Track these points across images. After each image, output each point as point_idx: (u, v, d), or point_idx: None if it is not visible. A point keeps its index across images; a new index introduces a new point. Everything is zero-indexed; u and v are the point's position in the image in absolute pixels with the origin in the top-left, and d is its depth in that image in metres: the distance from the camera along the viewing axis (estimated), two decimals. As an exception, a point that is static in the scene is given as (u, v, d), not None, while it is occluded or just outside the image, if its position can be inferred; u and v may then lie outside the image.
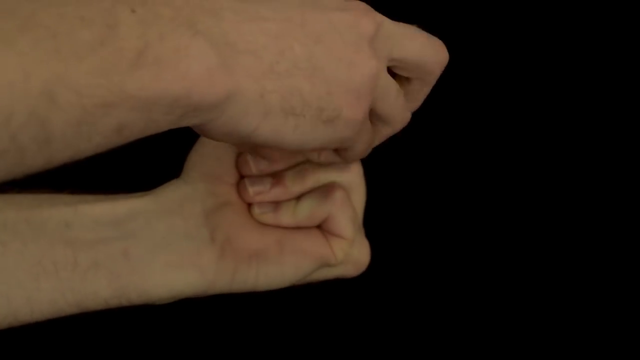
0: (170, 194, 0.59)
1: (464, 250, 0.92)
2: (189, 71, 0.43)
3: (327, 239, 0.59)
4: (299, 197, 0.59)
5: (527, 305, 0.93)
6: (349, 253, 0.60)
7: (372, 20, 0.49)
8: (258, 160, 0.59)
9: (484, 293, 0.92)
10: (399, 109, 0.53)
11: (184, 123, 0.45)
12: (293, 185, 0.59)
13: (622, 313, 0.91)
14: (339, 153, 0.55)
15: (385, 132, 0.54)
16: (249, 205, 0.59)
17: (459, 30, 0.90)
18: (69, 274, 0.56)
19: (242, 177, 0.60)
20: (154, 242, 0.57)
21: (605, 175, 0.92)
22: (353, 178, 0.60)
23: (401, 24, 0.52)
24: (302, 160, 0.60)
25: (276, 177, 0.59)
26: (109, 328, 0.89)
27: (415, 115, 0.56)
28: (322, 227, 0.60)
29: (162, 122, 0.43)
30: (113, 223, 0.57)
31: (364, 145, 0.53)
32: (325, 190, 0.59)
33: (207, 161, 0.59)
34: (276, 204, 0.59)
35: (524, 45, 0.92)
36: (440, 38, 0.54)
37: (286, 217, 0.59)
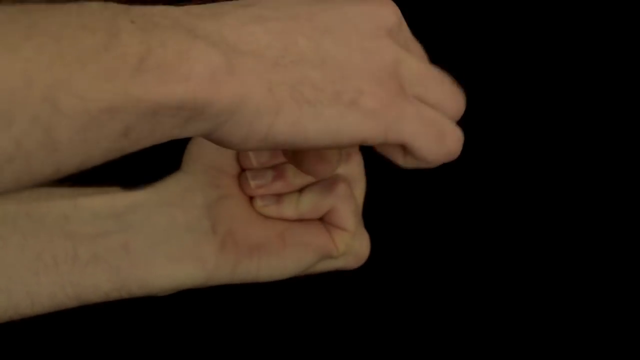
0: (170, 186, 0.58)
1: (462, 242, 0.92)
2: (192, 73, 0.42)
3: (329, 231, 0.59)
4: (301, 190, 0.59)
5: (524, 298, 0.92)
6: (351, 245, 0.60)
7: (392, 11, 0.48)
8: (259, 153, 0.58)
9: (481, 286, 0.92)
10: (447, 93, 0.49)
11: (193, 129, 0.44)
12: (295, 178, 0.58)
13: (622, 313, 0.91)
14: (414, 155, 0.49)
15: None
16: (251, 198, 0.59)
17: (458, 31, 0.90)
18: (69, 268, 0.56)
19: (243, 169, 0.59)
20: (155, 235, 0.57)
21: (605, 176, 0.92)
22: (354, 170, 0.60)
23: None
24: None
25: (278, 169, 0.58)
26: (109, 319, 0.89)
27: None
28: (324, 219, 0.59)
29: (169, 126, 0.43)
30: (113, 216, 0.57)
31: (427, 140, 0.48)
32: (329, 182, 0.58)
33: (208, 153, 0.59)
34: (279, 197, 0.58)
35: (523, 46, 0.92)
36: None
37: (289, 209, 0.58)
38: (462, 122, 0.91)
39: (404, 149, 0.49)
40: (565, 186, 0.92)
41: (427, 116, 0.48)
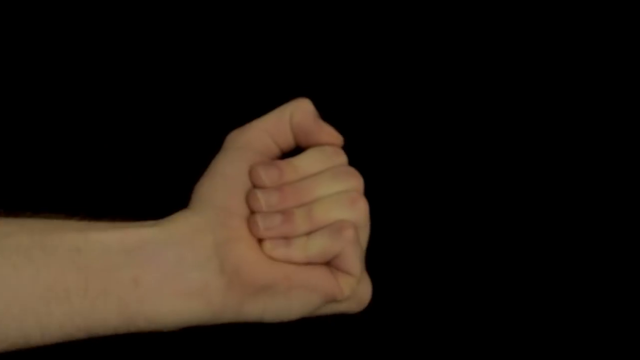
0: (180, 225, 0.59)
1: (464, 293, 0.92)
2: None
3: (335, 275, 0.60)
4: (309, 234, 0.60)
5: (528, 328, 0.92)
6: (355, 289, 0.61)
7: None
8: (268, 196, 0.59)
9: (485, 337, 0.92)
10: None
11: None
12: (303, 222, 0.59)
13: (622, 313, 0.91)
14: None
15: None
16: (260, 240, 0.60)
17: (458, 30, 0.90)
18: (80, 300, 0.56)
19: (251, 211, 0.60)
20: (164, 271, 0.58)
21: (605, 176, 0.92)
22: (360, 215, 0.61)
23: None
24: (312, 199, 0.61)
25: (286, 213, 0.59)
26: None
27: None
28: (330, 264, 0.60)
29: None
30: (123, 251, 0.57)
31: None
32: (337, 227, 0.59)
33: (218, 194, 0.60)
34: (288, 240, 0.60)
35: (524, 45, 0.92)
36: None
37: (298, 253, 0.59)
38: (462, 128, 0.90)
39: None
40: (571, 199, 0.92)
41: None
